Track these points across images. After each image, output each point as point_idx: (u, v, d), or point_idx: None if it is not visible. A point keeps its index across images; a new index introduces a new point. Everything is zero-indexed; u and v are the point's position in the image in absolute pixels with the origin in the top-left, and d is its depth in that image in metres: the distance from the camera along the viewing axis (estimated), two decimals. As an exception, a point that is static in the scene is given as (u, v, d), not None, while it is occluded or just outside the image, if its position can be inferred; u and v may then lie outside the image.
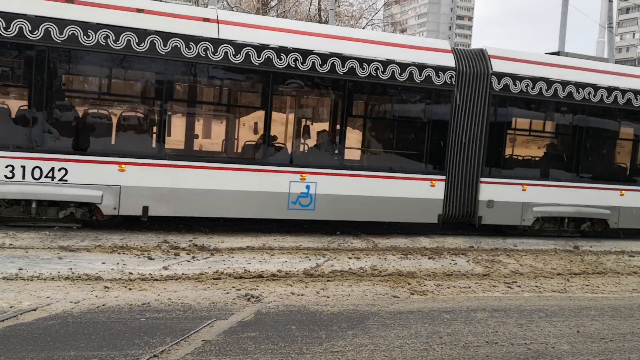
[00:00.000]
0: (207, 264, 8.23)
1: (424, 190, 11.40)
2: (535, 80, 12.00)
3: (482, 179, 11.85)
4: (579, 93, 12.33)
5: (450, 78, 11.34)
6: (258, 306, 6.49)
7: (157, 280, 7.26)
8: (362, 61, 10.75)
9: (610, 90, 12.65)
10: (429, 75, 11.16)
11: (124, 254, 8.45)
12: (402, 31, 66.54)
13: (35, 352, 4.78)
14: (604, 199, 12.87)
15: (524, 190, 12.17)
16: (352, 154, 11.69)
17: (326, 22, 29.62)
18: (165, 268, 7.85)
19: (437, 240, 11.45)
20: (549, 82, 12.12)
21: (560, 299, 7.90)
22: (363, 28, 33.45)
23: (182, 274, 7.58)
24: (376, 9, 38.72)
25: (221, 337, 5.45)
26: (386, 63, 10.89)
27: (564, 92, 12.21)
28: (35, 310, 5.80)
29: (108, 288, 6.70)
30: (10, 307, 5.82)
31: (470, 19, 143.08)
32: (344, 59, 10.63)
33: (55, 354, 4.78)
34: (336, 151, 11.14)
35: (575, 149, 12.74)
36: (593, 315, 7.22)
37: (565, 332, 6.46)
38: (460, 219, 12.05)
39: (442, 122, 11.55)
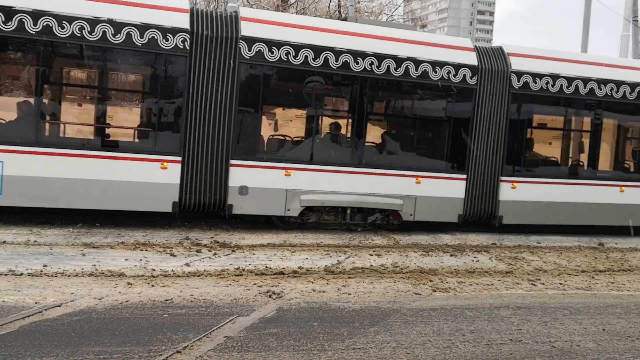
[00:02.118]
0: (228, 261, 8.27)
1: (154, 174, 9.71)
2: (299, 47, 10.18)
3: (233, 162, 10.10)
4: (357, 64, 10.48)
5: (183, 42, 9.65)
6: (279, 303, 6.50)
7: (179, 276, 7.31)
8: (61, 19, 9.05)
9: (399, 60, 10.72)
10: (153, 37, 9.51)
11: (146, 250, 8.52)
12: (423, 27, 66.07)
13: (59, 348, 4.83)
14: (395, 187, 10.99)
15: (287, 175, 10.38)
16: (55, 129, 9.89)
17: (345, 19, 29.49)
18: (188, 265, 7.90)
19: (459, 238, 11.36)
20: (317, 49, 10.29)
21: (585, 297, 7.80)
22: (383, 24, 33.26)
23: (204, 270, 7.63)
24: (396, 4, 38.57)
25: (243, 334, 5.47)
26: (94, 22, 9.20)
27: (337, 62, 10.37)
28: (59, 306, 5.86)
29: (131, 284, 6.76)
30: (35, 303, 5.90)
31: (492, 14, 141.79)
32: (35, 15, 8.92)
33: (79, 350, 4.83)
34: (30, 124, 9.38)
35: (355, 127, 10.91)
36: (619, 313, 7.11)
37: (590, 330, 6.37)
38: (208, 208, 10.28)
39: (176, 92, 9.91)
